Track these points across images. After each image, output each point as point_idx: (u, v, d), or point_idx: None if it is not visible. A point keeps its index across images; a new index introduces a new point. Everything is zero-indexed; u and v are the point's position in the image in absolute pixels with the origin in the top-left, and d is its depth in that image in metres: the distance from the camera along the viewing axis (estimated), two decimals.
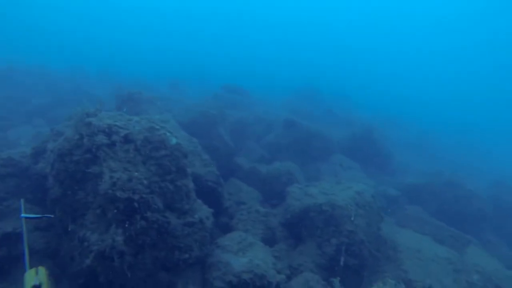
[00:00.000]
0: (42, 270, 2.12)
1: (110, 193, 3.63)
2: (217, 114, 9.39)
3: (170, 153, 4.42)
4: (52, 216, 3.97)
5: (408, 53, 68.76)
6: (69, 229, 4.02)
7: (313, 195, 6.37)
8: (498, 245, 8.68)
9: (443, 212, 9.52)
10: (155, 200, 4.03)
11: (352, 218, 5.65)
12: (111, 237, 3.54)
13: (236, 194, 7.82)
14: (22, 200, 3.46)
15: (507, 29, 56.00)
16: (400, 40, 70.70)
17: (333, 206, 5.75)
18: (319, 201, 5.98)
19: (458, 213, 9.38)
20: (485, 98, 53.19)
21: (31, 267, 2.46)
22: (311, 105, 19.09)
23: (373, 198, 6.43)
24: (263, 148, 10.63)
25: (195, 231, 4.70)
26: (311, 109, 17.89)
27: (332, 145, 11.38)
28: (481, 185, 11.58)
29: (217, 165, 7.25)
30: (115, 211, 3.65)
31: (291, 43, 65.14)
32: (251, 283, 4.57)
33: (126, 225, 3.68)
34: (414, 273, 5.57)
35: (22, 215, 2.76)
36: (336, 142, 11.69)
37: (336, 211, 5.67)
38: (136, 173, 3.90)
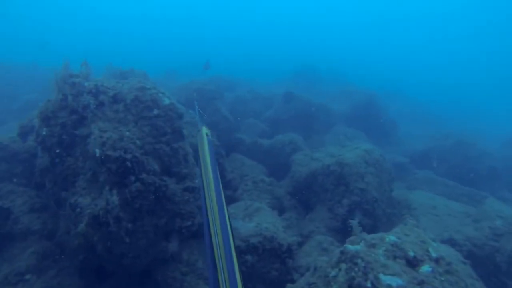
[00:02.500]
0: (205, 128, 3.09)
1: (100, 154, 3.33)
2: (215, 90, 9.05)
3: (163, 113, 4.10)
4: None
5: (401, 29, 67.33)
6: (61, 200, 3.74)
7: (319, 159, 6.06)
8: None
9: (453, 174, 9.20)
10: (150, 161, 3.73)
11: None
12: (105, 200, 3.25)
13: (239, 168, 7.53)
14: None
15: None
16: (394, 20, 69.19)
17: (342, 165, 5.42)
18: (327, 163, 5.67)
19: (470, 173, 9.06)
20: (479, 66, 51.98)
21: None
22: (308, 83, 18.62)
23: (382, 156, 6.12)
24: (264, 124, 10.31)
25: (196, 197, 4.41)
26: (308, 86, 17.44)
27: (334, 117, 11.02)
28: (491, 145, 11.22)
29: (218, 141, 6.96)
30: (107, 172, 3.35)
31: (285, 26, 63.85)
32: (260, 247, 4.30)
33: (120, 187, 3.39)
34: (431, 228, 5.28)
35: None
36: (338, 113, 11.32)
37: (345, 170, 5.35)
38: (127, 133, 3.59)
